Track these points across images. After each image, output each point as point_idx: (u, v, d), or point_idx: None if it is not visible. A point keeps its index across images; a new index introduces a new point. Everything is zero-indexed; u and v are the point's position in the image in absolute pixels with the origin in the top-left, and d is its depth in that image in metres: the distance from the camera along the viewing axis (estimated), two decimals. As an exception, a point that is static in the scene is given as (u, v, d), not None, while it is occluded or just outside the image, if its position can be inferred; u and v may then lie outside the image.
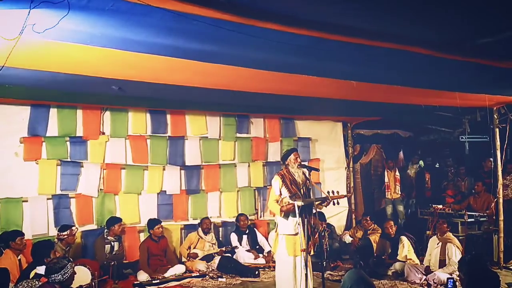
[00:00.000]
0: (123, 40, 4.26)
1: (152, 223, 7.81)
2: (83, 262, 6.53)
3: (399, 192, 10.41)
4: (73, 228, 7.16)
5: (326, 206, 5.77)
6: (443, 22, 4.39)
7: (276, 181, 5.79)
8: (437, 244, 7.21)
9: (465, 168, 10.41)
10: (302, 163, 5.99)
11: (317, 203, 5.64)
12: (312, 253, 5.69)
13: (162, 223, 8.02)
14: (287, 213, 5.64)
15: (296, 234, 5.60)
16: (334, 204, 5.67)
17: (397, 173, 10.48)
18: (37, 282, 4.85)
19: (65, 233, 6.94)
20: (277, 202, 5.70)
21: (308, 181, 5.81)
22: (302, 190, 5.75)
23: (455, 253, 6.87)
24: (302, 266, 5.62)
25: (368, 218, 8.66)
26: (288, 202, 5.59)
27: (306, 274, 5.43)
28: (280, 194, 5.72)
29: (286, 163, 5.92)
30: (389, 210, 10.48)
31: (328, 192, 5.59)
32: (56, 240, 6.94)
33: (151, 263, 7.57)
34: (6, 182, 7.37)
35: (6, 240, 6.30)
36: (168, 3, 3.63)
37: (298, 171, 5.81)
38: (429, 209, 8.98)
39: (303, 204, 5.43)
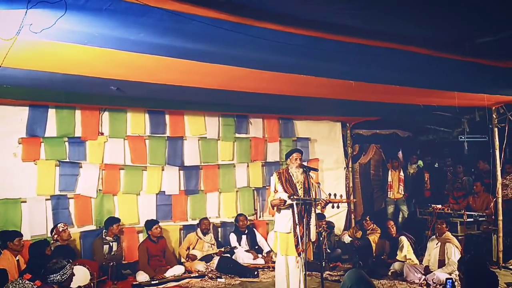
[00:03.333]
0: (121, 40, 4.25)
1: (149, 224, 7.81)
2: (82, 262, 6.53)
3: (402, 192, 10.36)
4: (59, 225, 7.15)
5: (324, 207, 5.77)
6: (441, 21, 4.39)
7: (273, 178, 6.02)
8: (436, 244, 7.20)
9: (464, 168, 10.40)
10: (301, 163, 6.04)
11: (316, 203, 5.66)
12: (309, 255, 5.69)
13: (161, 224, 8.03)
14: (278, 207, 5.78)
15: (289, 232, 5.65)
16: (333, 207, 5.70)
17: (402, 173, 10.43)
18: (29, 283, 4.82)
19: (53, 233, 7.03)
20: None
21: (307, 182, 5.83)
22: (300, 190, 5.77)
23: (454, 253, 6.87)
24: (295, 267, 5.65)
25: (368, 219, 8.64)
26: (279, 197, 5.68)
27: (305, 275, 5.46)
28: (276, 191, 5.81)
29: (287, 162, 6.04)
30: (391, 210, 10.44)
31: (330, 194, 5.61)
32: (53, 241, 6.96)
33: (150, 263, 7.55)
34: (5, 182, 7.35)
35: (4, 240, 6.30)
36: (165, 3, 3.61)
37: (297, 172, 5.86)
38: (428, 209, 8.97)
39: (296, 202, 5.47)
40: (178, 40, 4.34)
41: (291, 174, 5.91)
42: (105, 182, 8.18)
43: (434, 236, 7.41)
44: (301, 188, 5.82)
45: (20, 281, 4.83)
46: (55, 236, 7.04)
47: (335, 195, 5.64)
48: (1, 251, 6.26)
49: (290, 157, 6.01)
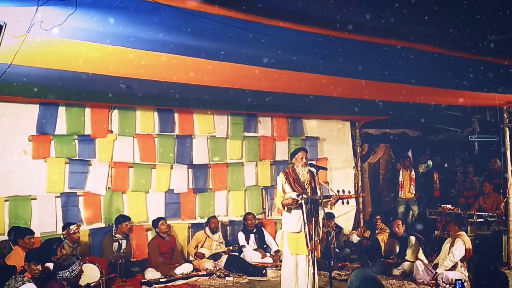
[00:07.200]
0: (131, 38, 4.27)
1: (155, 222, 7.89)
2: (92, 259, 6.55)
3: (413, 192, 10.27)
4: (74, 225, 7.09)
5: (333, 204, 5.73)
6: (453, 20, 4.36)
7: (280, 178, 5.98)
8: (448, 242, 7.12)
9: (474, 168, 10.32)
10: (310, 162, 6.02)
11: (324, 201, 5.63)
12: (317, 254, 5.66)
13: (170, 222, 8.08)
14: (289, 207, 5.75)
15: (299, 232, 5.63)
16: (343, 203, 5.67)
17: (413, 172, 10.33)
18: (20, 276, 4.83)
19: (64, 232, 6.96)
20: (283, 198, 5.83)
21: (314, 181, 5.81)
22: (307, 189, 5.76)
23: (458, 246, 6.73)
24: (305, 266, 5.63)
25: (379, 218, 8.58)
26: (291, 197, 5.66)
27: (314, 274, 5.43)
28: (284, 191, 5.81)
29: (293, 161, 5.99)
30: (401, 209, 10.34)
31: (338, 191, 5.58)
32: (63, 237, 6.98)
33: (160, 260, 7.58)
34: (15, 180, 7.40)
35: (15, 237, 6.33)
36: (176, 1, 3.62)
37: (303, 170, 5.85)
38: (437, 209, 8.91)
39: (305, 201, 5.45)
40: (188, 38, 4.35)
41: (297, 173, 5.90)
42: (114, 180, 8.21)
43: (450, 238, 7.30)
44: (308, 187, 5.81)
45: (14, 277, 4.86)
46: (64, 235, 7.01)
47: (343, 191, 5.60)
48: (12, 247, 6.31)
49: (296, 156, 6.00)
